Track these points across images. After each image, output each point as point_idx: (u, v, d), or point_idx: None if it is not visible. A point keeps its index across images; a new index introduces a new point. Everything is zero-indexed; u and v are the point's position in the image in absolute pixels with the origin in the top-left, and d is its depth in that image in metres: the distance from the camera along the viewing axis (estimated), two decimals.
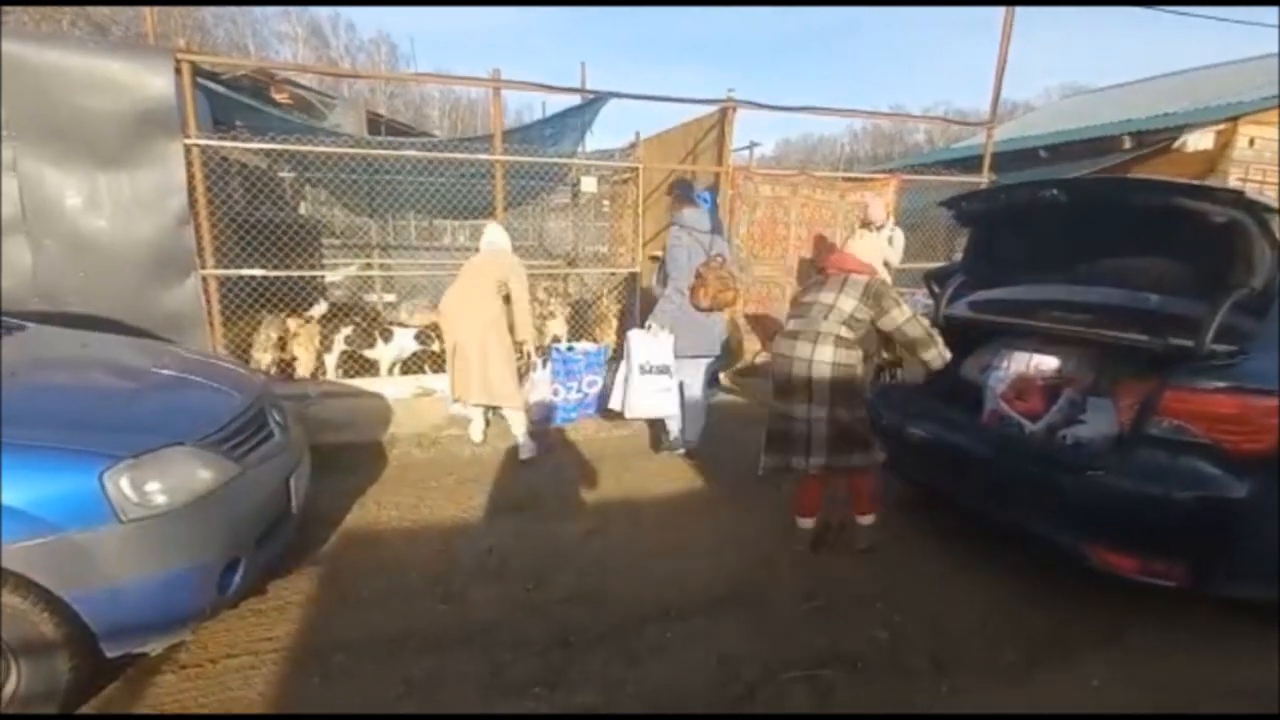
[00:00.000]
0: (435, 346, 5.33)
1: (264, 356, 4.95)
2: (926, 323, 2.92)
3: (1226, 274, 2.57)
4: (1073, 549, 2.52)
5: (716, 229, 4.36)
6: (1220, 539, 2.30)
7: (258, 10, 26.38)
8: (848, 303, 2.78)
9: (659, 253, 4.67)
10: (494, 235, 4.40)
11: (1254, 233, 2.48)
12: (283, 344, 5.04)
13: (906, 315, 2.83)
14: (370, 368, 5.41)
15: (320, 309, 5.31)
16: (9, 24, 11.34)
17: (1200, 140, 8.17)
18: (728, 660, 2.32)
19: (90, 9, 15.24)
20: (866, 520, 3.07)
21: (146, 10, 4.68)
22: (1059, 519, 2.57)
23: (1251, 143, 8.31)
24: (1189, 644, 2.49)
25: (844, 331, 2.78)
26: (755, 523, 3.38)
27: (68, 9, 14.47)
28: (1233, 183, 7.94)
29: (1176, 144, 8.20)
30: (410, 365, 5.55)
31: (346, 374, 5.27)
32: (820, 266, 2.93)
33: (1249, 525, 2.27)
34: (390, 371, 5.38)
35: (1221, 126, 8.21)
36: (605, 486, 3.84)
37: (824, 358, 2.75)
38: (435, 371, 5.25)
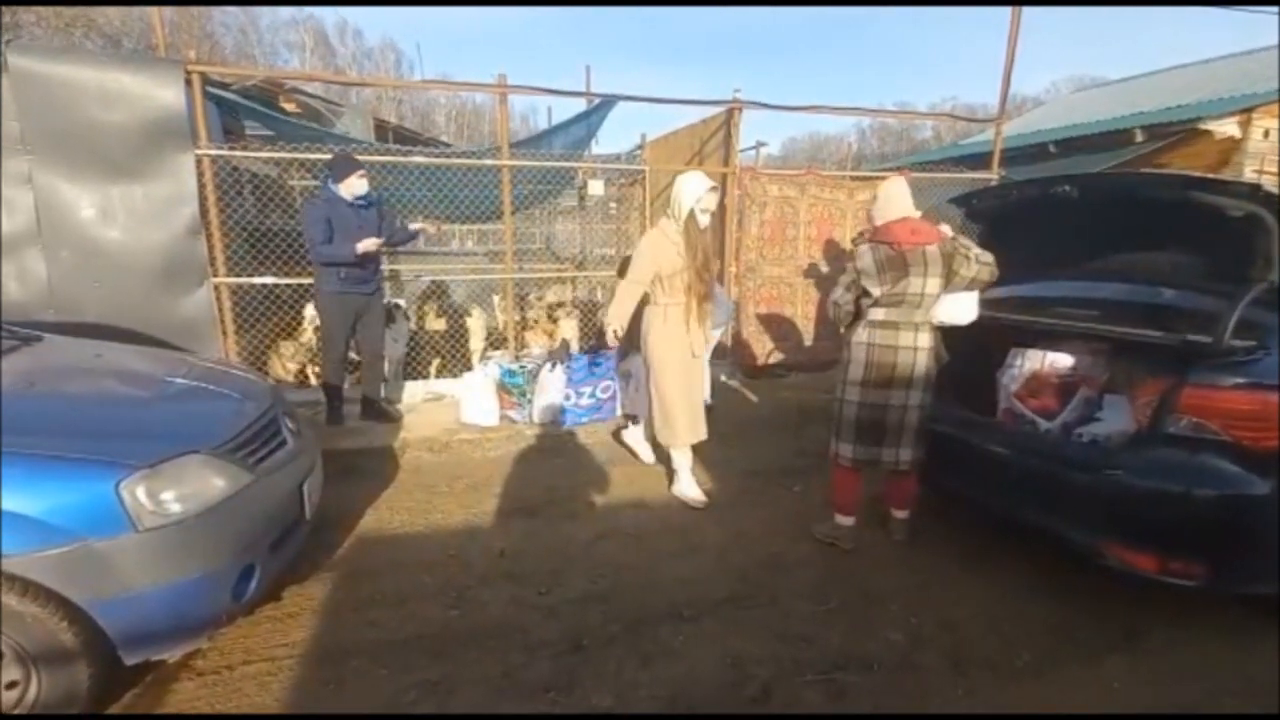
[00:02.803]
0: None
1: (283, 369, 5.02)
2: (975, 253, 2.83)
3: (1244, 269, 2.54)
4: (1089, 548, 2.49)
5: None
6: (1240, 537, 2.27)
7: (265, 20, 26.66)
8: (934, 284, 2.81)
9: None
10: (675, 188, 3.33)
11: (1271, 226, 2.45)
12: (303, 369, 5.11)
13: (972, 267, 2.81)
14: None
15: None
16: (24, 38, 11.51)
17: (1224, 126, 8.02)
18: (741, 662, 2.31)
19: (101, 22, 15.45)
20: (904, 514, 3.16)
21: (157, 21, 4.71)
22: (1075, 518, 2.54)
23: (1266, 134, 8.19)
24: (1207, 641, 2.45)
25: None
26: (766, 523, 3.37)
27: (79, 24, 14.67)
28: (1248, 175, 7.83)
29: (1205, 126, 8.00)
30: (415, 369, 5.57)
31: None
32: (890, 242, 2.79)
33: (1269, 523, 2.24)
34: (395, 376, 5.39)
35: (1237, 118, 8.10)
36: (617, 489, 3.83)
37: (925, 344, 2.88)
38: (440, 376, 5.27)
